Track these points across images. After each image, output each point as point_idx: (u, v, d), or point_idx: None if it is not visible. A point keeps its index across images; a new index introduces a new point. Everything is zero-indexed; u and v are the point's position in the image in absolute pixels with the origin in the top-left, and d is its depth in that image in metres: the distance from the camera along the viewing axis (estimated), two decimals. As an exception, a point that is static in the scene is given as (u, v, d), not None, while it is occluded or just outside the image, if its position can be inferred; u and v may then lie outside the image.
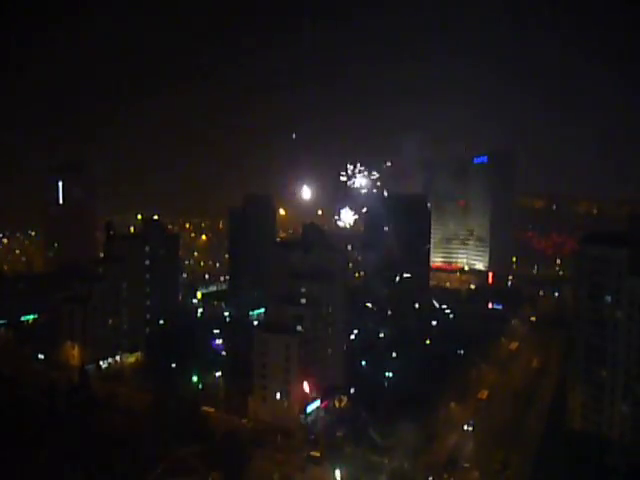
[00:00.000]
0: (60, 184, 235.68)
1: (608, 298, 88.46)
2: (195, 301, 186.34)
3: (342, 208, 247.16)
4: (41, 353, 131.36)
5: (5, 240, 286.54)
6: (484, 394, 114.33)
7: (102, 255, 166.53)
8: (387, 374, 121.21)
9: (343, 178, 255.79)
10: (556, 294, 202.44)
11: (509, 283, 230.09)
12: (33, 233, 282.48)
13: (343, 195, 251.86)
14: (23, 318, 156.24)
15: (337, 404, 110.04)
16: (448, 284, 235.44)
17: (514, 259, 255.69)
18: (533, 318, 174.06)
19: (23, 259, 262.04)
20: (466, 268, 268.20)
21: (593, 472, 79.95)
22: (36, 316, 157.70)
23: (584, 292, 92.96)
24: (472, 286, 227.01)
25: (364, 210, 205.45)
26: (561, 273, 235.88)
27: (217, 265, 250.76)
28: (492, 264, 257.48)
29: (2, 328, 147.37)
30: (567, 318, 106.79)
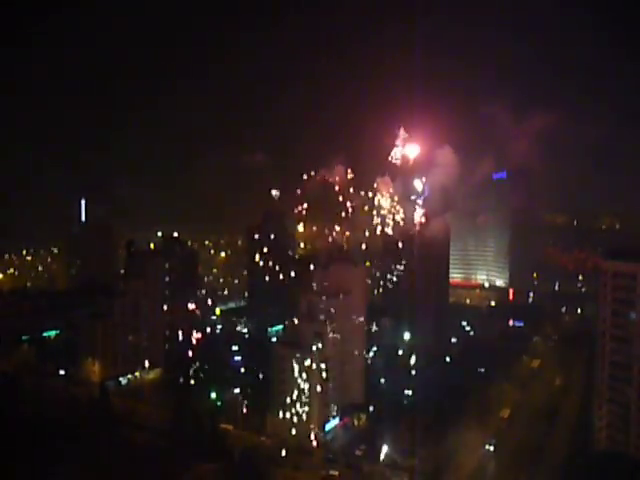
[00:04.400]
0: (82, 202, 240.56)
1: (633, 315, 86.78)
2: (214, 317, 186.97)
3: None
4: (62, 369, 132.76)
5: (29, 257, 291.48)
6: (506, 413, 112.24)
7: (123, 272, 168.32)
8: (406, 392, 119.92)
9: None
10: (579, 311, 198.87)
11: (530, 300, 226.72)
12: (56, 250, 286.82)
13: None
14: (45, 334, 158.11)
15: (356, 422, 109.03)
16: (468, 301, 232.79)
17: (535, 275, 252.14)
18: (555, 335, 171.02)
19: (46, 276, 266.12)
20: (486, 285, 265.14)
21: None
22: (58, 332, 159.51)
23: (608, 309, 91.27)
24: (492, 303, 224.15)
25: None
26: (584, 289, 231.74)
27: (235, 282, 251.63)
28: (513, 281, 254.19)
29: (25, 344, 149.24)
30: (591, 335, 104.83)
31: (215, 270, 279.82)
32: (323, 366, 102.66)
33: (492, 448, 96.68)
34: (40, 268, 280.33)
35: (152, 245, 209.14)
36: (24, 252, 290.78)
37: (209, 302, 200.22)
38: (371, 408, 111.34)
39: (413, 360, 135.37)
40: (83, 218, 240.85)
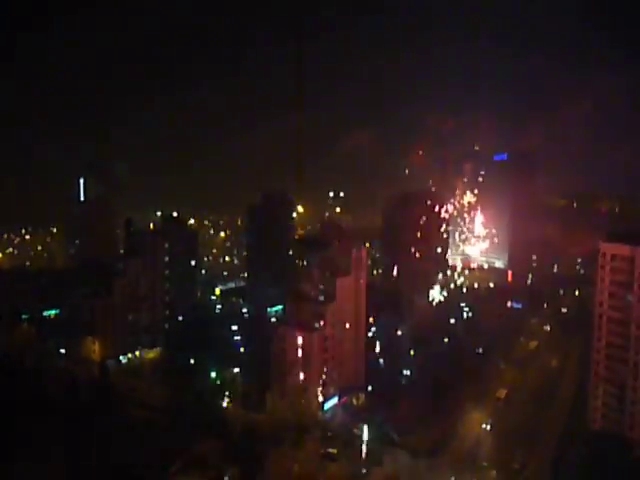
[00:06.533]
0: (81, 182, 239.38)
1: (630, 297, 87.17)
2: (213, 297, 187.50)
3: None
4: (63, 348, 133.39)
5: (28, 236, 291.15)
6: (503, 393, 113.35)
7: (122, 251, 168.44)
8: (405, 372, 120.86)
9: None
10: (577, 293, 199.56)
11: (529, 282, 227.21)
12: (55, 230, 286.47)
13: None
14: (45, 313, 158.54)
15: (355, 401, 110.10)
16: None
17: (534, 257, 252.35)
18: (553, 317, 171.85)
19: (45, 255, 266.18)
20: (485, 266, 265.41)
21: (614, 472, 78.86)
22: (58, 311, 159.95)
23: (605, 291, 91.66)
24: (491, 284, 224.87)
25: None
26: (582, 272, 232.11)
27: (235, 262, 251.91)
28: (511, 262, 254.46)
29: (25, 323, 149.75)
30: (588, 317, 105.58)
31: (215, 250, 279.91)
32: (322, 346, 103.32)
33: (489, 427, 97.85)
34: (39, 247, 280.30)
35: (151, 225, 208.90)
36: (23, 231, 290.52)
37: (209, 282, 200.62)
38: (370, 388, 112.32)
39: (412, 341, 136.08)
40: (82, 197, 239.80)
